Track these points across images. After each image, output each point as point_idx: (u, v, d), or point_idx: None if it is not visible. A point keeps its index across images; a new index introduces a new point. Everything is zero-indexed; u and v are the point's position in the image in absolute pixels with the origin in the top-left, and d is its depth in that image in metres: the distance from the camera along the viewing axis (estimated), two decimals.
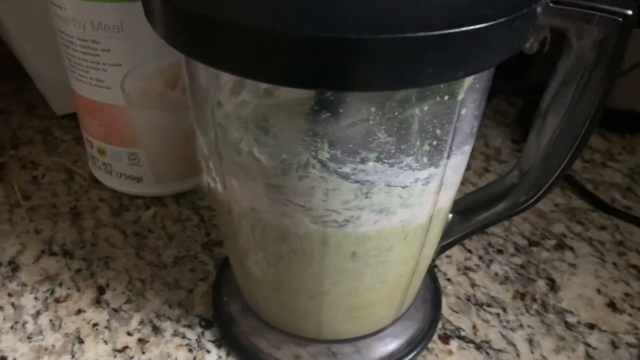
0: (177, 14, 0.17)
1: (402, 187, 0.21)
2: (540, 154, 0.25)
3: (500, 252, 0.34)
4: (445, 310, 0.30)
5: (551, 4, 0.20)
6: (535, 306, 0.31)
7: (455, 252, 0.34)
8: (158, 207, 0.36)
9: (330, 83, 0.16)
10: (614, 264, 0.33)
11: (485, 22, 0.16)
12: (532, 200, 0.25)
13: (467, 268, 0.33)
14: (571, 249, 0.34)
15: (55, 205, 0.36)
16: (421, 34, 0.15)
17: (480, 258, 0.34)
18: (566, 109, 0.24)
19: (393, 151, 0.19)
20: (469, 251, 0.34)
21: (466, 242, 0.35)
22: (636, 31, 0.43)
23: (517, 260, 0.33)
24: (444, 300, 0.31)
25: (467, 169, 0.41)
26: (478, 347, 0.28)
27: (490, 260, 0.33)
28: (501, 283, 0.32)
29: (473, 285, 0.32)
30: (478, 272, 0.33)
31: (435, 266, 0.33)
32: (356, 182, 0.20)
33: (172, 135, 0.34)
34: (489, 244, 0.35)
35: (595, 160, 0.42)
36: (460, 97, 0.19)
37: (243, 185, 0.21)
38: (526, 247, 0.34)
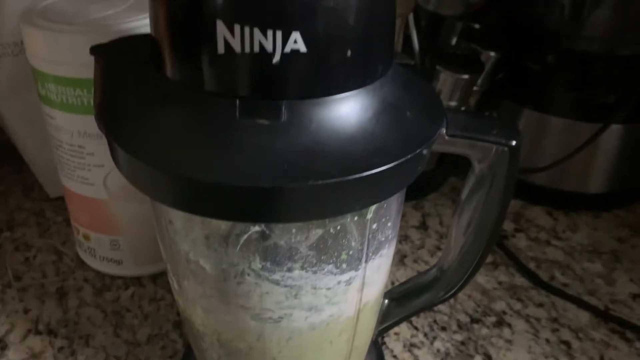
0: (128, 161, 0.21)
1: (327, 289, 0.24)
2: (456, 256, 0.29)
3: (444, 329, 0.37)
4: None
5: (447, 137, 0.24)
6: None
7: (404, 329, 0.37)
8: (136, 287, 0.40)
9: (253, 218, 0.20)
10: (547, 340, 0.37)
11: (374, 168, 0.20)
12: (449, 294, 0.29)
13: (413, 345, 0.36)
14: (509, 325, 0.38)
15: (43, 285, 0.40)
16: (320, 182, 0.19)
17: (425, 335, 0.37)
18: (475, 217, 0.28)
19: (315, 261, 0.23)
20: (416, 328, 0.37)
21: (414, 319, 0.38)
22: (571, 123, 0.48)
23: (459, 337, 0.37)
24: None
25: (421, 247, 0.45)
26: None
27: (434, 337, 0.37)
28: (442, 359, 0.35)
29: None
30: (422, 348, 0.36)
31: (384, 343, 0.36)
32: (286, 286, 0.24)
33: (149, 223, 0.38)
34: (435, 320, 0.38)
35: (540, 239, 0.46)
36: (368, 216, 0.23)
37: (193, 286, 0.25)
38: (468, 324, 0.38)
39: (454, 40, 0.49)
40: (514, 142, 0.25)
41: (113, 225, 0.38)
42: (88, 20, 0.33)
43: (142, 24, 0.33)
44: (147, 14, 0.33)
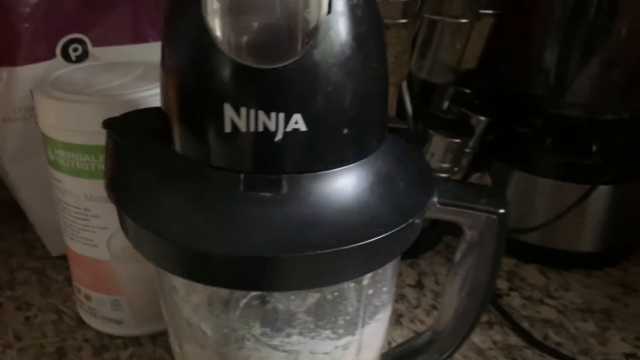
0: (137, 232, 0.22)
1: (324, 353, 0.25)
2: (450, 317, 0.30)
3: None
4: None
5: (439, 205, 0.26)
6: None
7: None
8: (135, 347, 0.40)
9: (253, 287, 0.22)
10: None
11: (369, 238, 0.21)
12: (444, 356, 0.30)
13: None
14: None
15: (43, 345, 0.40)
16: (319, 251, 0.21)
17: None
18: (467, 279, 0.29)
19: (312, 327, 0.24)
20: None
21: None
22: (560, 184, 0.49)
23: None
24: None
25: (417, 306, 0.45)
26: None
27: None
28: None
29: None
30: None
31: None
32: (284, 351, 0.25)
33: (150, 284, 0.39)
34: None
35: (533, 297, 0.47)
36: (365, 282, 0.25)
37: (194, 350, 0.26)
38: None
39: (445, 105, 0.51)
40: (502, 210, 0.26)
41: (115, 286, 0.39)
42: (97, 90, 0.35)
43: (149, 94, 0.34)
44: (154, 84, 0.35)
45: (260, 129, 0.21)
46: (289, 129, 0.21)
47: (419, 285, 0.48)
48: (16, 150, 0.45)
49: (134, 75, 0.37)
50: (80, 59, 0.43)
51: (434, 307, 0.45)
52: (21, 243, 0.52)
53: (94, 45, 0.43)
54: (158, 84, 0.35)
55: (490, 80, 0.51)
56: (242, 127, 0.21)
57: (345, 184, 0.22)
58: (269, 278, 0.21)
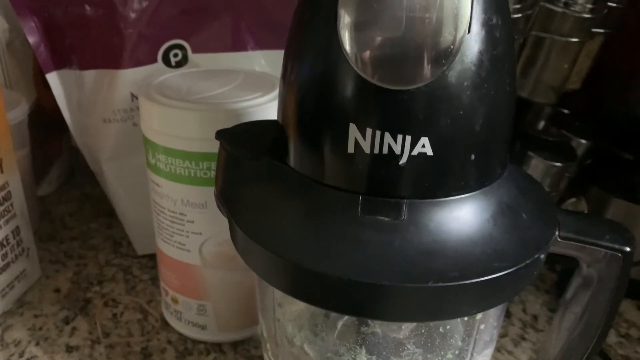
0: (249, 245, 0.22)
1: None
2: (557, 353, 0.28)
3: None
4: None
5: (559, 240, 0.24)
6: None
7: None
8: (217, 353, 0.40)
9: (369, 314, 0.21)
10: None
11: (493, 273, 0.20)
12: None
13: None
14: None
15: (129, 344, 0.41)
16: (440, 284, 0.20)
17: None
18: (579, 316, 0.27)
19: (420, 359, 0.23)
20: None
21: None
22: None
23: None
24: None
25: (504, 335, 0.43)
26: None
27: None
28: None
29: None
30: None
31: None
32: None
33: (237, 291, 0.39)
34: None
35: (631, 336, 0.44)
36: (478, 317, 0.23)
37: None
38: None
39: (541, 124, 0.49)
40: (627, 248, 0.24)
41: (203, 291, 0.39)
42: (200, 97, 0.35)
43: (249, 105, 0.34)
44: (254, 94, 0.35)
45: (385, 151, 0.20)
46: (414, 152, 0.20)
47: (506, 313, 0.46)
48: (113, 150, 0.46)
49: (235, 84, 0.37)
50: (179, 64, 0.44)
51: (523, 338, 0.43)
52: (108, 239, 0.53)
53: (194, 51, 0.44)
54: (258, 93, 0.36)
55: (592, 101, 0.49)
56: (366, 148, 0.20)
57: (467, 213, 0.21)
58: (385, 306, 0.20)
